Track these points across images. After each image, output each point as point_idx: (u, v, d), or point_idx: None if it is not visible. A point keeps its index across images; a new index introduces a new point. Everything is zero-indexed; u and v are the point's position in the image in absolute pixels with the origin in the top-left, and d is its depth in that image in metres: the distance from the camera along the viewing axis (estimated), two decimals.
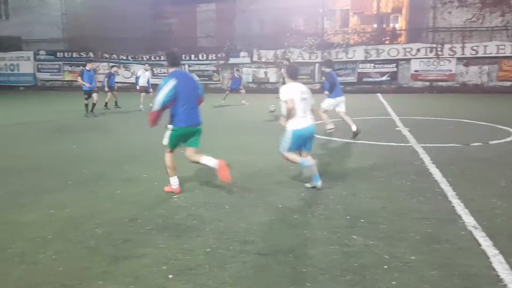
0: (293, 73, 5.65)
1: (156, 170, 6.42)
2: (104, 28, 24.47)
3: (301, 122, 5.28)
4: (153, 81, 23.78)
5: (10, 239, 3.94)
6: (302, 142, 5.41)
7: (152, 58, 24.26)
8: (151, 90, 14.71)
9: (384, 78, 21.18)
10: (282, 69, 14.61)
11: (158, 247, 3.76)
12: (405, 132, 9.39)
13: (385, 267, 3.34)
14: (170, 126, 5.10)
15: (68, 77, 25.25)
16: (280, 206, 4.79)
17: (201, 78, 21.74)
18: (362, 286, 3.09)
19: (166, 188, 5.37)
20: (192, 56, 23.71)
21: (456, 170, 6.20)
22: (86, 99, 12.99)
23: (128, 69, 24.36)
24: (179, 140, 5.20)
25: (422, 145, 7.88)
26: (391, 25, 32.30)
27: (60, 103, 17.47)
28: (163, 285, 3.12)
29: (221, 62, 23.38)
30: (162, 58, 23.98)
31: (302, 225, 4.23)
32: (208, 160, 5.16)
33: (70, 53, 25.40)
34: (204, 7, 30.94)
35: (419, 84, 20.96)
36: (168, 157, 5.23)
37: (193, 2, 30.70)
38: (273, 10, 25.79)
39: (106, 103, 14.83)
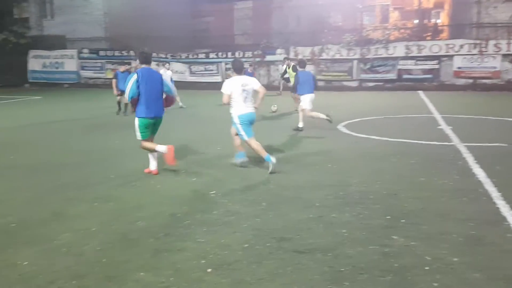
0: (237, 68, 6.39)
1: (193, 167, 6.55)
2: (144, 27, 25.05)
3: (243, 108, 6.17)
4: (191, 78, 24.44)
5: (58, 230, 4.12)
6: (249, 125, 6.25)
7: (190, 56, 24.64)
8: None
9: (426, 76, 20.57)
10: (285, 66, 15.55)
11: (197, 241, 3.83)
12: (448, 130, 9.09)
13: (427, 268, 3.26)
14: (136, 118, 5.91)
15: (110, 75, 25.93)
16: (317, 204, 4.76)
17: None
18: (402, 287, 3.03)
19: (146, 170, 6.17)
20: (229, 53, 23.89)
21: (502, 170, 5.96)
22: (119, 96, 12.91)
23: (167, 67, 24.79)
24: (147, 129, 5.98)
25: (465, 144, 7.61)
26: (433, 20, 31.30)
27: (102, 100, 18.04)
28: (202, 278, 3.18)
29: (257, 59, 23.42)
30: (200, 56, 24.38)
31: (341, 224, 4.19)
32: (160, 147, 5.88)
33: (111, 51, 26.17)
34: (241, 5, 31.09)
35: (462, 81, 20.18)
36: (145, 144, 6.02)
37: (231, 0, 30.94)
38: (310, 7, 25.58)
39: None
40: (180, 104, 15.00)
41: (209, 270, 3.30)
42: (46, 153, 7.68)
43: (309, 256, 3.51)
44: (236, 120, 6.21)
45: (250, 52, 23.73)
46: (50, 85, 26.11)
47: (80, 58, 26.55)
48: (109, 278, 3.21)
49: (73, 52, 26.67)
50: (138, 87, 5.74)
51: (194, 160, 7.07)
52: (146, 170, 6.19)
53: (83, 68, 26.66)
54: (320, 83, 21.89)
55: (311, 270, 3.29)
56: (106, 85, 25.82)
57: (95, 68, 26.45)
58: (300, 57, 22.55)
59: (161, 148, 5.86)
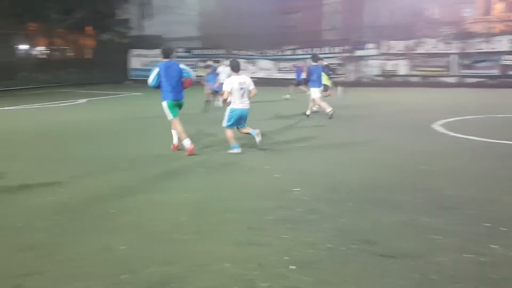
0: (235, 67, 7.28)
1: (279, 163, 6.59)
2: (235, 25, 25.78)
3: (237, 104, 7.12)
4: (278, 75, 24.63)
5: (153, 218, 4.40)
6: (237, 119, 7.18)
7: (277, 53, 24.82)
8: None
9: None
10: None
11: (280, 238, 3.84)
12: None
13: None
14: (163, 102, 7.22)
15: (202, 72, 27.18)
16: (408, 207, 4.51)
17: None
18: None
19: (174, 147, 7.51)
20: (317, 50, 23.63)
21: None
22: (209, 95, 13.42)
23: (254, 64, 25.31)
24: (173, 109, 7.24)
25: None
26: None
27: (195, 96, 18.87)
28: (285, 274, 3.18)
29: (347, 54, 22.87)
30: (286, 53, 24.45)
31: (433, 229, 3.92)
32: (186, 142, 7.15)
33: (204, 50, 27.28)
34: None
35: None
36: (175, 124, 7.29)
37: None
38: None
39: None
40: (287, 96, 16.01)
41: (292, 267, 3.28)
42: (144, 146, 8.22)
43: (397, 261, 3.34)
44: (226, 111, 7.25)
45: (339, 48, 23.23)
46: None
47: (175, 57, 28.02)
48: (195, 266, 3.34)
49: None
50: (159, 77, 7.10)
51: (279, 156, 7.12)
52: (172, 147, 7.56)
53: None
54: (415, 79, 20.91)
55: (400, 276, 3.12)
56: (197, 83, 27.08)
57: (188, 66, 27.73)
58: (393, 51, 21.64)
59: (187, 142, 7.11)
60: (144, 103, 16.73)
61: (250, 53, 25.56)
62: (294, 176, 5.85)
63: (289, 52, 24.48)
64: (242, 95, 7.10)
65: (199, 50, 27.43)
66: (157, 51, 28.02)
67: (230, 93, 7.05)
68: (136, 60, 29.11)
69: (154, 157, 7.19)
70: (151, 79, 7.19)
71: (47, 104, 13.15)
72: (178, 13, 28.43)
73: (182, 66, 7.37)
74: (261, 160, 6.84)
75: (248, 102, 7.23)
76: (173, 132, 7.53)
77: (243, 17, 25.53)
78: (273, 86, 23.61)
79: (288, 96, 16.14)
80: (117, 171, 6.33)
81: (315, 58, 11.44)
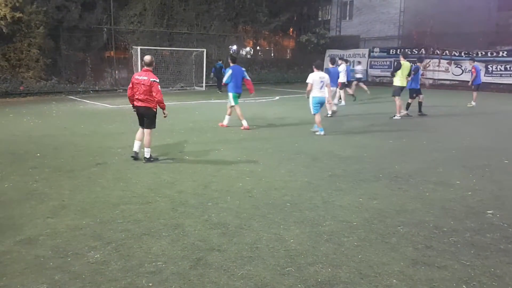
0: (318, 66, 9.44)
1: (472, 178, 5.86)
2: (441, 23, 23.80)
3: (316, 93, 9.31)
4: (487, 79, 21.66)
5: (323, 218, 4.45)
6: (317, 105, 9.38)
7: (488, 54, 21.91)
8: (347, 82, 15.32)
9: None
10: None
11: (461, 263, 3.42)
12: None
13: None
14: (230, 94, 10.12)
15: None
16: None
17: None
18: None
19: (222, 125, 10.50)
20: None
21: None
22: (411, 98, 12.63)
23: (459, 65, 22.93)
24: (236, 99, 10.02)
25: None
26: None
27: (388, 98, 18.27)
28: None
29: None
30: (501, 54, 21.35)
31: None
32: (244, 122, 10.16)
33: (402, 50, 26.01)
34: None
35: None
36: (237, 109, 10.10)
37: None
38: None
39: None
40: (473, 103, 14.72)
41: None
42: (329, 144, 8.35)
43: None
44: (310, 100, 9.41)
45: None
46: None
47: (370, 57, 27.56)
48: (361, 275, 3.24)
49: (365, 51, 27.92)
50: (231, 77, 9.88)
51: (475, 171, 6.31)
52: (220, 124, 10.44)
53: (371, 66, 27.59)
54: None
55: None
56: (391, 83, 26.00)
57: (383, 66, 26.95)
58: None
59: (245, 123, 10.08)
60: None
61: (455, 53, 23.22)
62: (488, 196, 5.11)
63: (504, 53, 21.31)
64: (321, 87, 9.28)
65: (397, 50, 26.26)
66: (352, 51, 28.41)
67: (311, 85, 9.24)
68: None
69: (338, 157, 7.23)
70: (226, 78, 10.03)
71: (250, 100, 14.67)
72: (380, 12, 27.80)
73: (243, 69, 10.30)
74: (454, 173, 6.18)
75: (325, 92, 9.34)
76: (227, 117, 10.36)
77: (452, 15, 23.32)
78: (480, 92, 21.06)
79: (473, 103, 14.73)
80: (300, 166, 6.60)
81: (333, 61, 13.65)
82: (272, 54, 32.81)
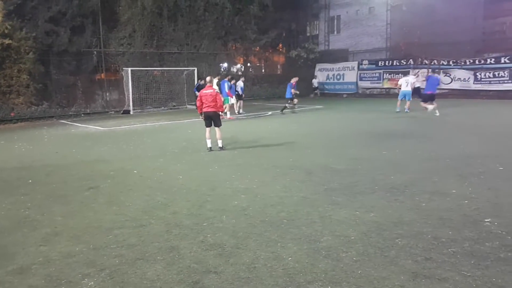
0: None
1: (468, 187, 5.85)
2: (428, 33, 24.16)
3: (404, 88, 15.94)
4: (476, 86, 21.95)
5: (320, 233, 4.39)
6: (404, 95, 16.04)
7: (476, 62, 22.22)
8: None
9: None
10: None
11: (461, 274, 3.37)
12: None
13: None
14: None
15: (386, 84, 26.30)
16: None
17: None
18: None
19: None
20: None
21: None
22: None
23: (448, 74, 23.18)
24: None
25: None
26: None
27: (379, 109, 18.38)
28: None
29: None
30: (488, 61, 21.65)
31: None
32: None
33: (390, 61, 26.34)
34: None
35: None
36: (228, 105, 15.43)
37: None
38: None
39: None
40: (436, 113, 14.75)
41: None
42: (323, 157, 8.33)
43: None
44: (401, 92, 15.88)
45: None
46: (331, 95, 28.48)
47: (359, 69, 27.84)
48: None
49: (354, 64, 28.21)
50: (229, 87, 15.72)
51: (470, 180, 6.31)
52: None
53: (361, 78, 27.85)
54: None
55: None
56: (382, 95, 26.31)
57: (372, 78, 27.21)
58: None
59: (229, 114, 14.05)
60: (327, 117, 17.02)
61: (443, 62, 23.50)
62: (485, 204, 5.09)
63: (491, 61, 21.61)
64: (406, 85, 15.42)
65: (385, 62, 26.58)
66: (341, 65, 28.69)
67: (401, 85, 15.61)
68: (321, 74, 29.92)
69: (332, 170, 7.21)
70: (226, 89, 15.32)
71: (242, 115, 14.81)
72: (367, 25, 28.20)
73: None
74: (450, 182, 6.17)
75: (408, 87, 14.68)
76: (228, 113, 14.05)
77: (438, 24, 23.68)
78: (470, 99, 21.27)
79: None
80: (295, 181, 6.56)
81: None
82: (263, 70, 33.01)
